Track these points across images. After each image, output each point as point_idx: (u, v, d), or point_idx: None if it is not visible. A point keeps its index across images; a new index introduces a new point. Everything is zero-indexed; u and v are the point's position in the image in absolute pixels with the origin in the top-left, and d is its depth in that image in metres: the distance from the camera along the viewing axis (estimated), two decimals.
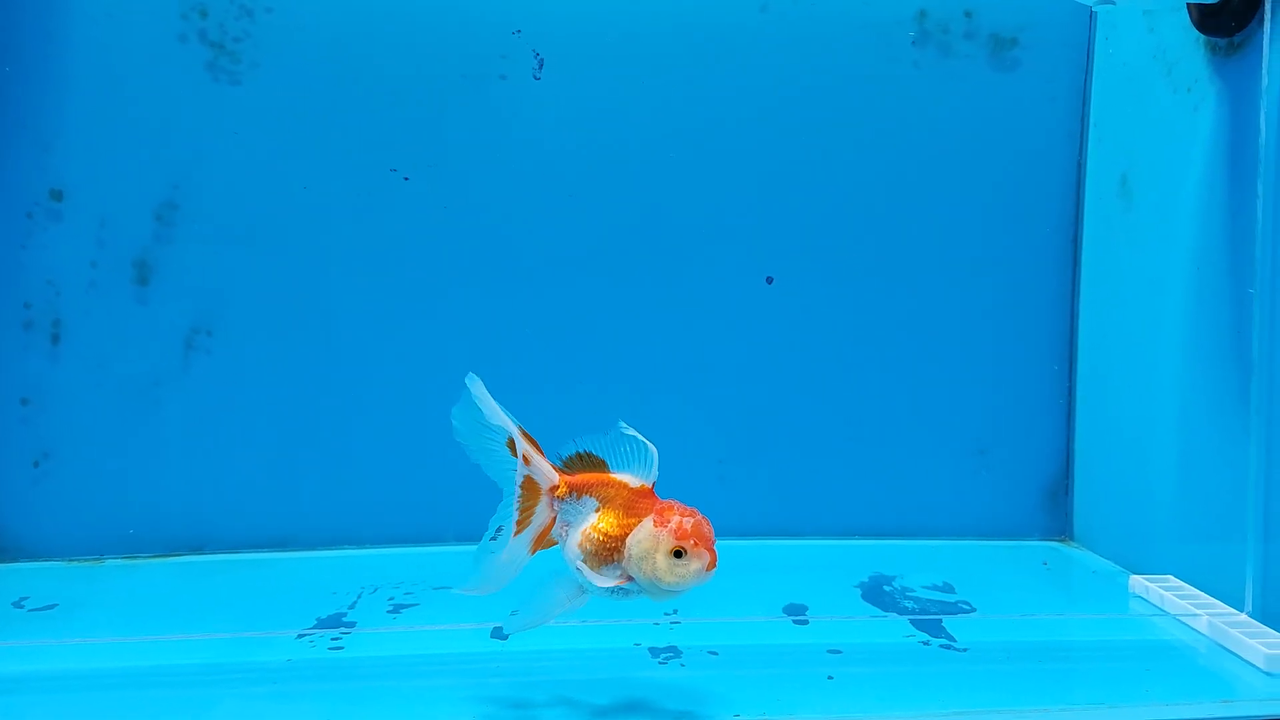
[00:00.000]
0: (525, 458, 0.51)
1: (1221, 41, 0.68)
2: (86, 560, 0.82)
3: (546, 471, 0.51)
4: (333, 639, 0.63)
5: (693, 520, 0.47)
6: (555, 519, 0.51)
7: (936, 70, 0.88)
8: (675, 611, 0.68)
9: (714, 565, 0.47)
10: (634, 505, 0.48)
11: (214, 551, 0.84)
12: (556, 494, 0.51)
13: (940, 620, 0.67)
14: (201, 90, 0.82)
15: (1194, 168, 0.72)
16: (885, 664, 0.60)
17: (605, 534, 0.48)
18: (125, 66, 0.81)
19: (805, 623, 0.67)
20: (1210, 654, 0.61)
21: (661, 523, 0.47)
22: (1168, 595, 0.69)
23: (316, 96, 0.83)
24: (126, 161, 0.81)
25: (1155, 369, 0.77)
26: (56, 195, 0.81)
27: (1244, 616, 0.64)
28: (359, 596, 0.72)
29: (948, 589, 0.74)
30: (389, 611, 0.69)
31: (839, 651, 0.61)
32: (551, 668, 0.59)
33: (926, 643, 0.63)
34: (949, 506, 0.89)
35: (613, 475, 0.50)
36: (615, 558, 0.48)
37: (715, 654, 0.61)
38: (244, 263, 0.83)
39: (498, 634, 0.63)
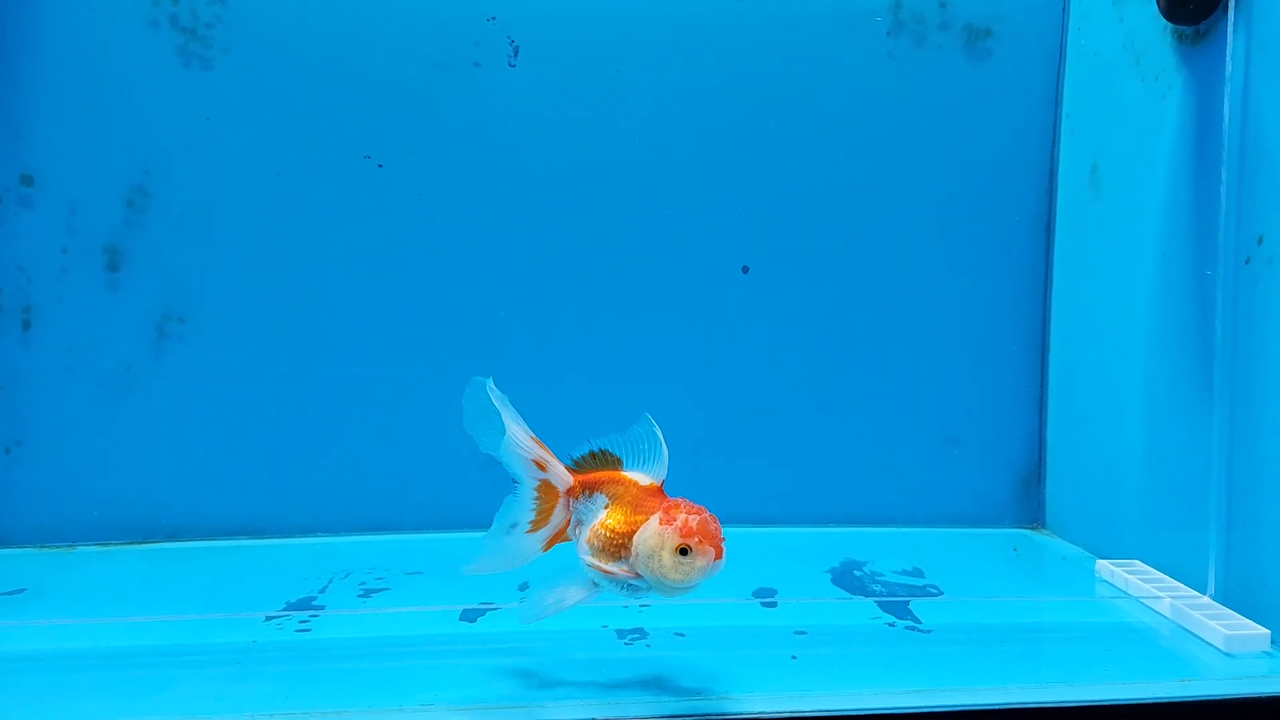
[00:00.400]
0: (540, 464, 0.51)
1: (1188, 30, 0.69)
2: (58, 547, 0.82)
3: (562, 474, 0.52)
4: (300, 621, 0.63)
5: (698, 518, 0.47)
6: (570, 518, 0.52)
7: (911, 60, 0.89)
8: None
9: (720, 560, 0.47)
10: (642, 503, 0.49)
11: (188, 539, 0.84)
12: (572, 494, 0.52)
13: (907, 603, 0.67)
14: (173, 76, 0.82)
15: (1161, 157, 0.72)
16: (850, 645, 0.60)
17: (613, 531, 0.49)
18: (96, 52, 0.81)
19: (773, 605, 0.67)
20: (1172, 635, 0.62)
21: (667, 520, 0.47)
22: (1132, 579, 0.69)
23: (289, 83, 0.83)
24: (97, 147, 0.81)
25: (1123, 359, 0.77)
26: (27, 181, 0.81)
27: (1206, 599, 0.64)
28: (330, 581, 0.72)
29: (917, 574, 0.75)
30: (359, 596, 0.69)
31: (804, 633, 0.61)
32: (519, 649, 0.59)
33: (892, 624, 0.63)
34: (922, 495, 0.90)
35: (623, 473, 0.51)
36: (623, 554, 0.48)
37: (682, 635, 0.61)
38: (217, 249, 0.83)
39: (466, 617, 0.64)
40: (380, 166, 0.85)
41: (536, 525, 0.52)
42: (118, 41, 0.81)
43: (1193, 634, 0.61)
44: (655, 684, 0.53)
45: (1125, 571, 0.71)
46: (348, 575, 0.74)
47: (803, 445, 0.90)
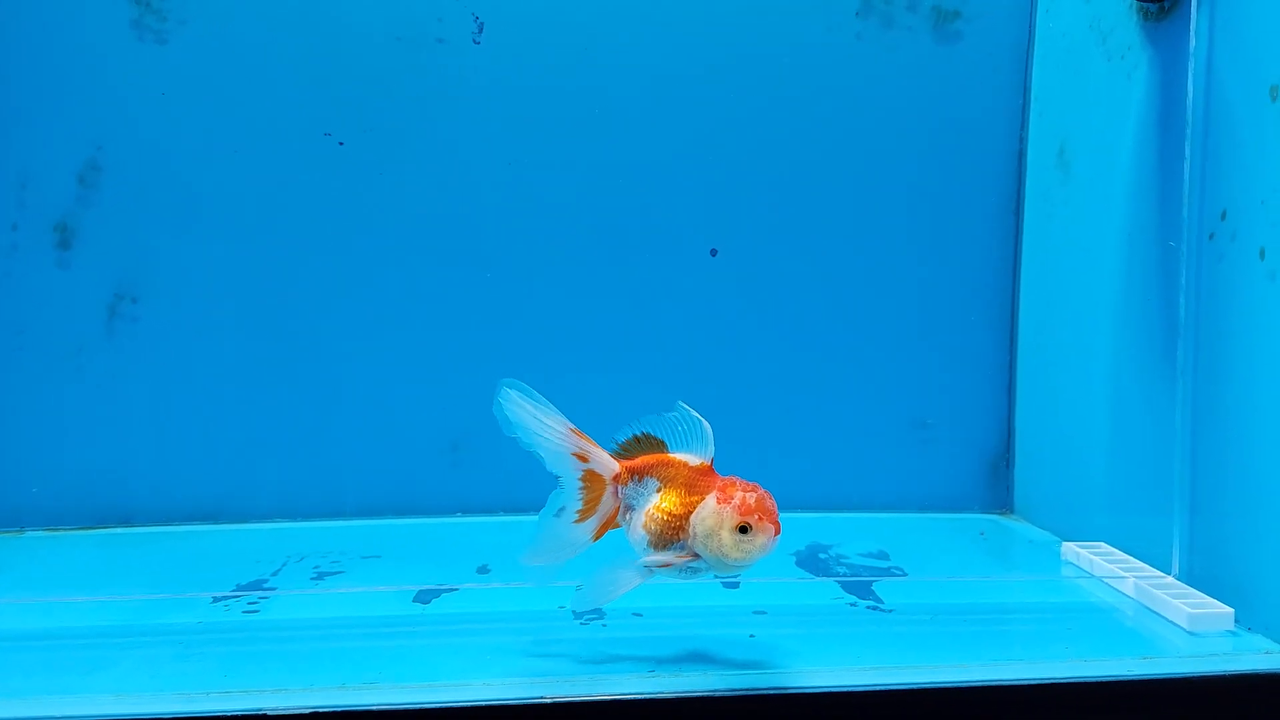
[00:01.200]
0: (582, 455, 0.51)
1: (1153, 7, 0.68)
2: (6, 532, 0.80)
3: (606, 462, 0.51)
4: (249, 603, 0.62)
5: (755, 495, 0.47)
6: (620, 505, 0.51)
7: (880, 42, 0.88)
8: None
9: (778, 536, 0.47)
10: (695, 483, 0.48)
11: (142, 524, 0.82)
12: (619, 481, 0.51)
13: (871, 584, 0.66)
14: (126, 49, 0.80)
15: (1127, 136, 0.72)
16: (809, 624, 0.59)
17: (669, 514, 0.48)
18: (48, 24, 0.79)
19: (736, 586, 0.66)
20: (1137, 615, 0.61)
21: (725, 499, 0.47)
22: (1097, 560, 0.69)
23: (247, 57, 0.81)
24: (48, 122, 0.79)
25: (1090, 341, 0.77)
26: None
27: (1170, 579, 0.64)
28: (284, 565, 0.71)
29: (882, 556, 0.74)
30: (312, 578, 0.68)
31: (764, 612, 0.60)
32: (471, 630, 0.58)
33: (854, 604, 0.62)
34: (892, 480, 0.89)
35: (671, 455, 0.50)
36: (680, 536, 0.48)
37: (639, 615, 0.60)
38: (171, 228, 0.81)
39: (420, 599, 0.62)
40: (341, 144, 0.83)
41: (585, 515, 0.51)
42: (69, 14, 0.79)
43: (1157, 613, 0.61)
44: (608, 663, 0.52)
45: (1091, 553, 0.70)
46: (303, 559, 0.72)
47: (771, 428, 0.89)
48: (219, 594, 0.63)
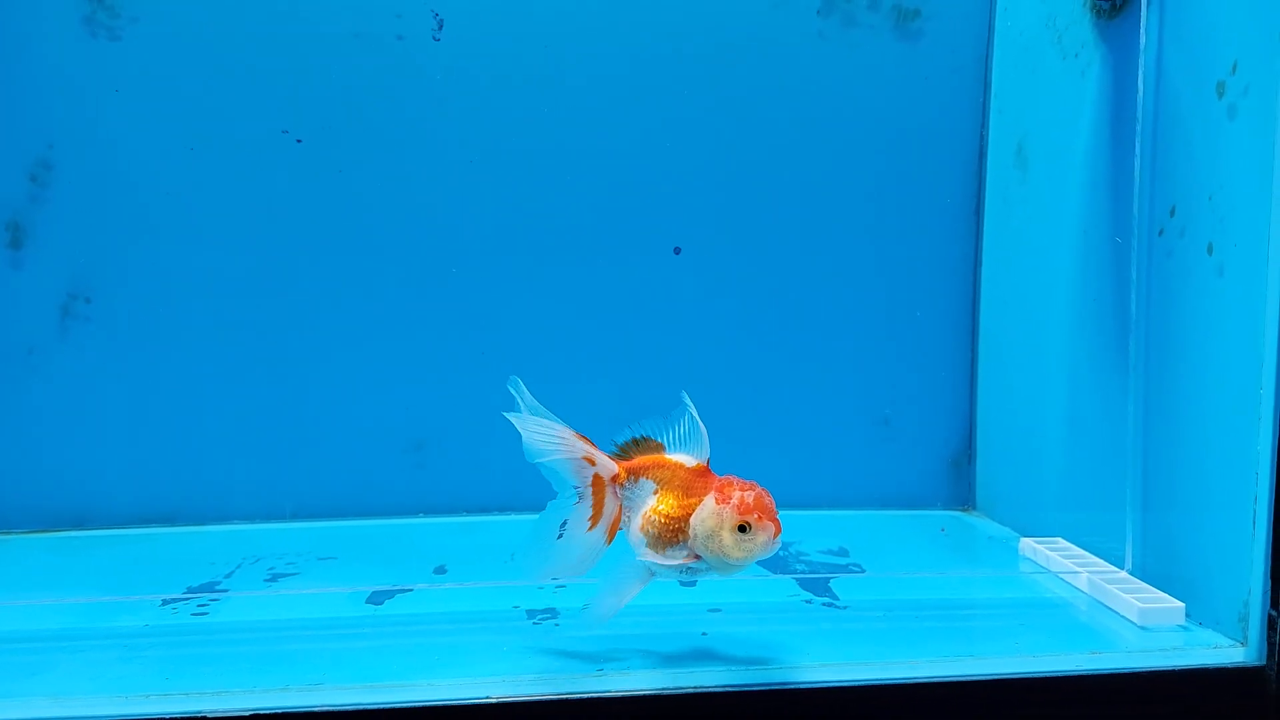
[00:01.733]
0: (589, 459, 0.50)
1: (1105, 5, 0.69)
2: None
3: (606, 463, 0.51)
4: (199, 605, 0.61)
5: (754, 494, 0.47)
6: (620, 506, 0.51)
7: (841, 40, 0.88)
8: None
9: (779, 535, 0.47)
10: (692, 485, 0.48)
11: (95, 527, 0.81)
12: (617, 481, 0.51)
13: (828, 581, 0.66)
14: (79, 45, 0.79)
15: (1082, 133, 0.72)
16: (763, 621, 0.59)
17: (667, 516, 0.48)
18: None
19: (693, 584, 0.66)
20: (1090, 609, 0.62)
21: (724, 500, 0.47)
22: (1053, 555, 0.69)
23: (201, 53, 0.80)
24: None
25: (1047, 338, 0.77)
26: None
27: (1124, 574, 0.64)
28: (238, 567, 0.70)
29: (842, 553, 0.74)
30: (266, 580, 0.67)
31: (719, 610, 0.60)
32: (423, 630, 0.57)
33: (809, 601, 0.62)
34: (854, 477, 0.89)
35: (668, 456, 0.50)
36: (680, 538, 0.48)
37: None
38: (125, 227, 0.80)
39: (373, 600, 0.62)
40: (299, 141, 0.82)
41: (594, 520, 0.51)
42: (21, 9, 0.78)
43: (1109, 608, 0.61)
44: (559, 661, 0.51)
45: (1047, 549, 0.70)
46: (258, 561, 0.71)
47: (733, 426, 0.87)
48: (168, 597, 0.62)
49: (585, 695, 0.47)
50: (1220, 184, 0.57)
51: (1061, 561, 0.68)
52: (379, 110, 0.83)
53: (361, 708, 0.46)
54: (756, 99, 0.87)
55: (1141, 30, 0.64)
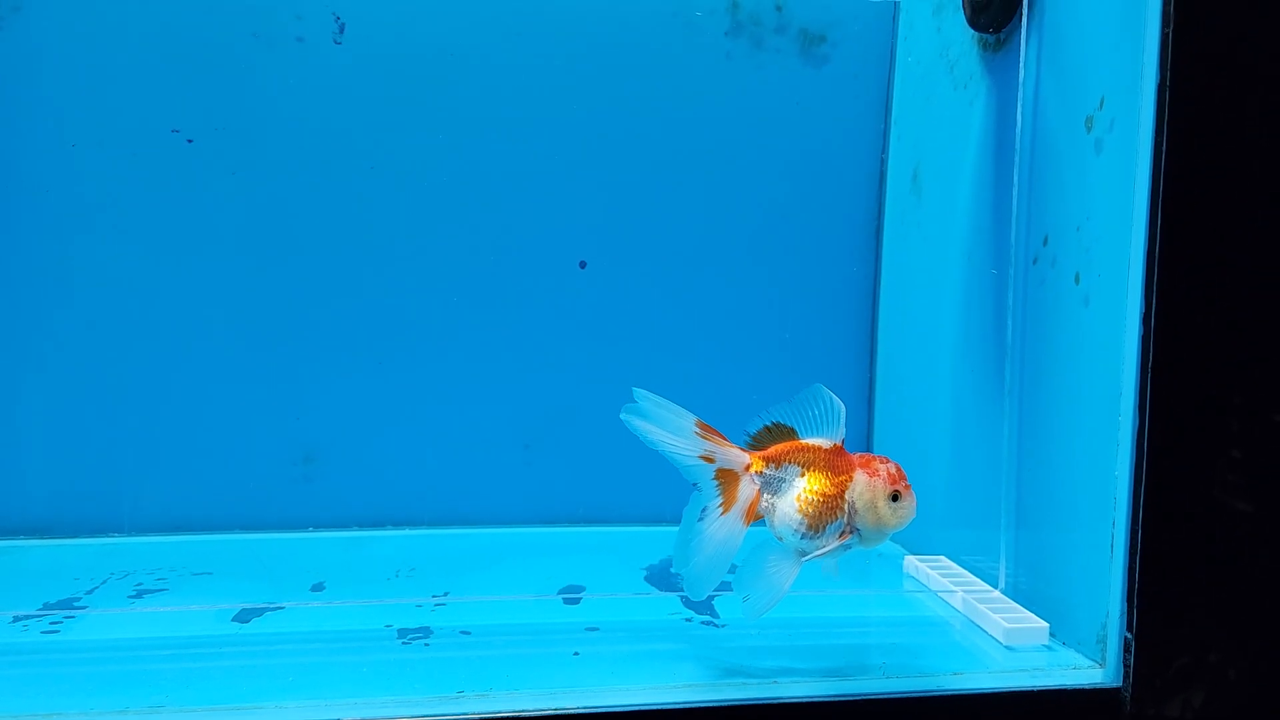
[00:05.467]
0: (707, 457, 0.53)
1: (990, 38, 0.71)
2: None
3: (735, 455, 0.54)
4: (51, 622, 0.58)
5: (895, 465, 0.52)
6: (759, 494, 0.53)
7: (749, 61, 0.89)
8: (445, 594, 0.65)
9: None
10: (836, 464, 0.52)
11: None
12: (754, 470, 0.53)
13: (711, 599, 0.66)
14: None
15: (968, 161, 0.74)
16: (637, 640, 0.58)
17: (823, 494, 0.51)
18: None
19: (576, 602, 0.65)
20: (963, 628, 0.63)
21: (873, 473, 0.51)
22: (934, 574, 0.70)
23: (87, 47, 0.77)
24: None
25: (935, 360, 0.79)
26: None
27: (996, 593, 0.65)
28: (104, 582, 0.67)
29: (732, 571, 0.74)
30: (130, 596, 0.64)
31: (596, 629, 0.60)
32: (287, 650, 0.55)
33: (689, 619, 0.62)
34: None
35: (803, 441, 0.53)
36: (837, 515, 0.51)
37: (467, 633, 0.58)
38: (3, 228, 0.77)
39: (240, 618, 0.60)
40: (190, 142, 0.80)
41: (726, 506, 0.53)
42: None
43: (980, 627, 0.62)
44: (417, 684, 0.50)
45: (929, 567, 0.71)
46: (126, 575, 0.69)
47: (635, 443, 0.88)
48: (20, 613, 0.59)
49: (442, 716, 0.46)
50: (1087, 215, 0.59)
51: (940, 580, 0.69)
52: (275, 112, 0.81)
53: None
54: (662, 118, 0.87)
55: (1021, 64, 0.66)
